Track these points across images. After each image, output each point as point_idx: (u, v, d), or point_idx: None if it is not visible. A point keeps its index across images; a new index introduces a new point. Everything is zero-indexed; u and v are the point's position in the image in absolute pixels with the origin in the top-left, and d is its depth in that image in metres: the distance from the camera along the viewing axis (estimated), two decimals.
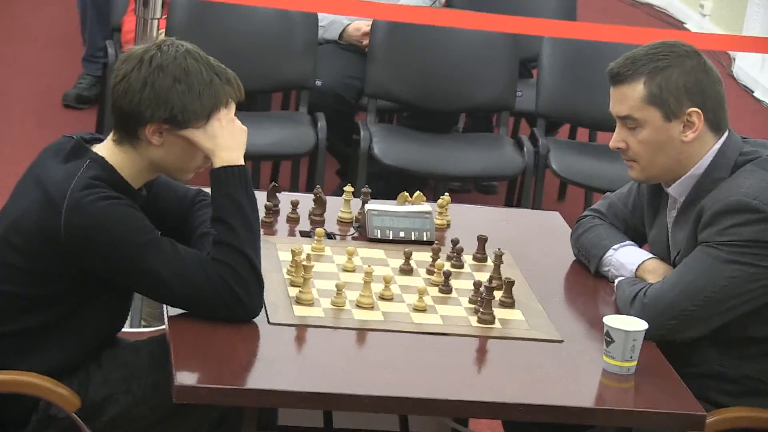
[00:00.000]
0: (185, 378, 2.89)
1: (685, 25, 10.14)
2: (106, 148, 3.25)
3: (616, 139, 3.48)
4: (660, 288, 3.36)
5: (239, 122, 3.30)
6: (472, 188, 6.84)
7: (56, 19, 9.22)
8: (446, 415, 3.52)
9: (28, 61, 8.80)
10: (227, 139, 3.23)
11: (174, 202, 3.52)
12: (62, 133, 3.51)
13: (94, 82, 7.73)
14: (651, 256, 3.60)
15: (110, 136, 3.33)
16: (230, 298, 3.14)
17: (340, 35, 6.60)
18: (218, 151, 3.20)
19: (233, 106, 3.28)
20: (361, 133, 6.28)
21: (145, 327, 4.12)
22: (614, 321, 3.09)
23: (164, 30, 5.38)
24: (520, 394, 3.03)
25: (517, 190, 6.43)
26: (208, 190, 3.38)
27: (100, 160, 3.23)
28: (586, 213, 3.95)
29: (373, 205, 3.91)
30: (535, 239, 4.16)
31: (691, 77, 3.36)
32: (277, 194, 4.03)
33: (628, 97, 3.38)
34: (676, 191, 3.45)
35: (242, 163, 3.27)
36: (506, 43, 6.28)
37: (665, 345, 3.30)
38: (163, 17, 5.45)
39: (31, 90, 8.18)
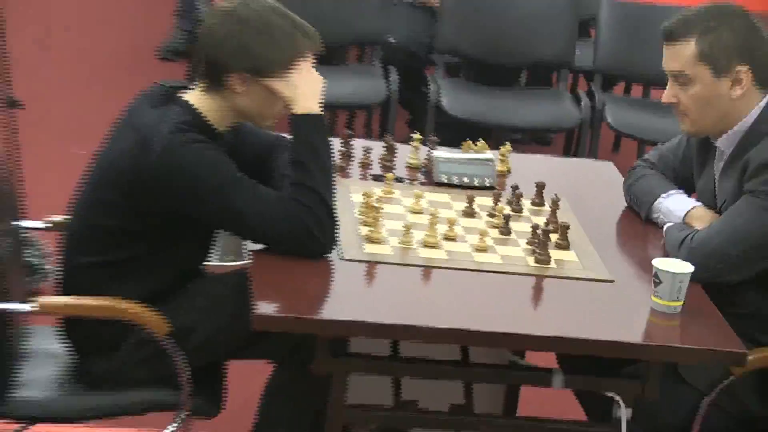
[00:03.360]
0: (263, 308, 2.96)
1: None
2: (193, 96, 3.33)
3: (668, 94, 3.50)
4: (706, 234, 3.38)
5: (317, 73, 3.36)
6: (530, 139, 6.81)
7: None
8: (503, 346, 3.52)
9: (124, 16, 8.92)
10: (306, 88, 3.29)
11: (256, 147, 3.58)
12: (151, 86, 3.64)
13: (185, 36, 7.79)
14: (698, 204, 3.62)
15: (198, 84, 3.42)
16: (306, 236, 3.21)
17: None
18: (297, 100, 3.26)
19: (312, 58, 3.34)
20: (430, 86, 6.32)
21: (228, 262, 4.15)
22: (663, 263, 3.12)
23: None
24: (573, 329, 3.08)
25: (574, 142, 6.47)
26: (288, 136, 3.47)
27: (188, 106, 3.32)
28: (638, 163, 3.99)
29: (440, 152, 3.95)
30: (590, 187, 4.20)
31: (740, 36, 3.37)
32: (351, 141, 4.10)
33: (680, 55, 3.40)
34: (724, 144, 3.47)
35: (319, 111, 3.33)
36: (567, 4, 6.35)
37: (710, 287, 3.32)
38: None
39: (127, 43, 8.33)
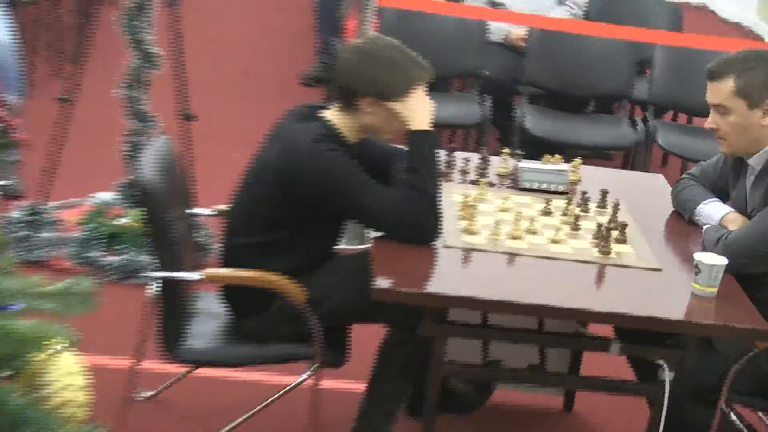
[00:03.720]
0: (381, 283, 3.30)
1: (764, 39, 10.13)
2: (330, 114, 3.68)
3: (710, 121, 3.79)
4: (738, 234, 3.67)
5: (428, 98, 3.69)
6: (595, 155, 6.86)
7: (294, 20, 9.88)
8: (571, 319, 3.69)
9: (275, 50, 9.44)
10: (420, 110, 3.62)
11: (378, 155, 3.88)
12: (296, 106, 3.95)
13: (324, 67, 8.12)
14: (732, 210, 3.89)
15: (333, 105, 3.75)
16: (417, 228, 3.56)
17: (504, 38, 6.97)
18: (413, 119, 3.60)
19: (424, 86, 3.67)
20: (517, 111, 6.63)
21: (353, 245, 4.33)
22: (702, 257, 3.40)
23: (375, 29, 5.74)
24: (628, 307, 3.39)
25: (631, 158, 6.69)
26: (403, 148, 3.78)
27: (325, 122, 3.66)
28: (683, 176, 4.22)
29: (524, 163, 4.26)
30: (644, 194, 4.44)
31: None
32: (454, 153, 4.40)
33: (720, 90, 3.68)
34: (755, 162, 3.74)
35: (430, 128, 3.65)
36: (628, 48, 6.69)
37: (740, 277, 3.60)
38: (375, 21, 5.90)
39: (278, 71, 8.74)
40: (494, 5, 6.88)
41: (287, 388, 3.98)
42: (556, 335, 3.79)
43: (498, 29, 6.91)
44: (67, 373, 1.80)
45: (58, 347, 1.75)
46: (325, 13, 8.24)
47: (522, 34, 6.85)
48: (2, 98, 1.59)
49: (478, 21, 6.72)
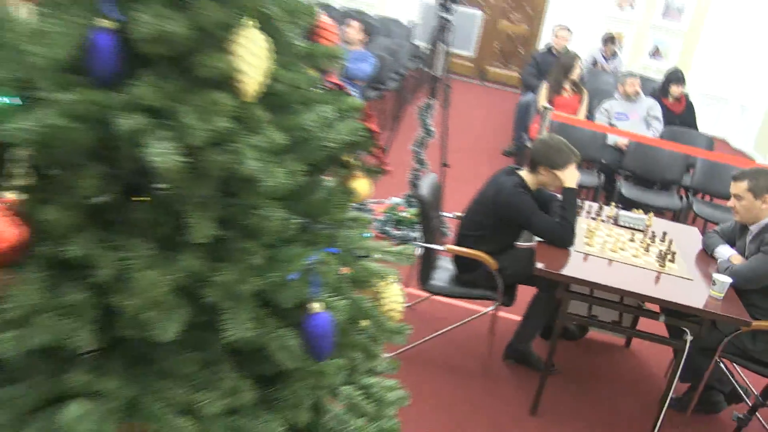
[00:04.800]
0: (539, 265, 3.52)
1: (755, 160, 9.69)
2: (523, 173, 3.97)
3: (730, 203, 3.88)
4: (738, 267, 3.74)
5: (576, 171, 3.88)
6: (658, 212, 6.18)
7: (503, 120, 9.82)
8: (638, 299, 3.63)
9: (492, 134, 9.41)
10: (571, 177, 3.86)
11: (545, 198, 4.03)
12: (503, 167, 4.15)
13: (515, 148, 8.29)
14: (736, 253, 3.92)
15: (524, 169, 4.00)
16: (561, 239, 3.79)
17: (614, 143, 7.01)
18: (566, 181, 3.85)
19: (575, 164, 3.89)
20: (618, 183, 6.78)
21: (525, 242, 4.20)
22: (717, 276, 3.56)
23: (547, 131, 5.95)
24: (671, 297, 3.50)
25: (678, 216, 6.58)
26: (559, 196, 3.91)
27: (521, 177, 3.93)
28: (710, 230, 4.27)
29: (622, 212, 4.47)
30: (685, 237, 4.47)
31: None
32: (584, 202, 4.50)
33: (739, 187, 3.78)
34: (754, 228, 3.83)
35: (575, 187, 3.85)
36: (682, 156, 6.70)
37: (737, 290, 3.66)
38: (548, 126, 6.02)
39: (491, 145, 8.82)
40: (611, 125, 6.92)
41: (481, 313, 4.25)
42: (629, 306, 3.81)
43: (612, 138, 6.92)
44: (393, 294, 1.72)
45: (390, 280, 1.71)
46: (520, 118, 8.19)
47: (625, 142, 6.87)
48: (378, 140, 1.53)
49: (602, 133, 6.83)
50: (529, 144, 7.14)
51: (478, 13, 5.44)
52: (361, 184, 1.52)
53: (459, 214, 4.30)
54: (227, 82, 1.22)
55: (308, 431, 1.43)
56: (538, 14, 11.65)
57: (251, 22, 1.22)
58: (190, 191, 1.17)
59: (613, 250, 3.94)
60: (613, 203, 4.73)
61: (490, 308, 4.08)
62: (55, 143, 1.14)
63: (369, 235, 1.65)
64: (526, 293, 4.32)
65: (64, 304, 1.16)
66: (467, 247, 3.97)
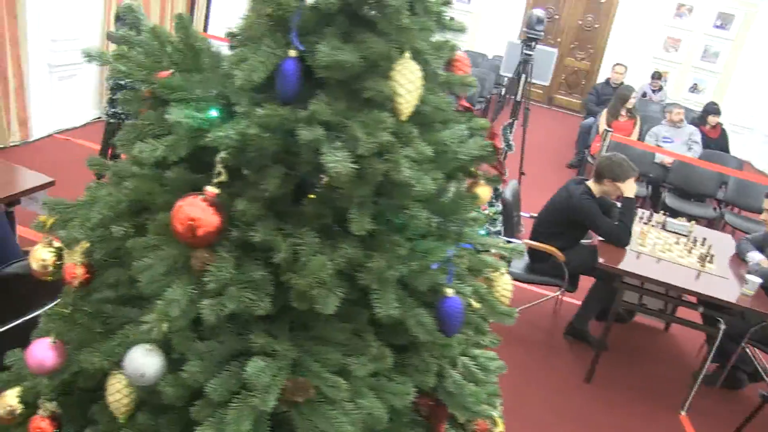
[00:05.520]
0: (600, 259, 3.53)
1: None
2: (590, 183, 3.94)
3: (762, 217, 4.01)
4: (765, 269, 3.74)
5: (635, 184, 3.84)
6: (698, 221, 6.28)
7: (568, 138, 9.23)
8: (681, 292, 3.56)
9: (558, 149, 8.82)
10: (629, 188, 3.82)
11: (607, 204, 3.95)
12: (569, 178, 4.11)
13: (577, 162, 8.00)
14: (764, 257, 3.89)
15: (591, 179, 3.95)
16: (619, 240, 3.75)
17: (661, 161, 6.68)
18: (626, 191, 3.80)
19: (634, 177, 3.83)
20: (663, 194, 6.62)
21: (589, 240, 4.16)
22: (749, 276, 3.57)
23: (607, 150, 5.45)
24: (710, 292, 3.46)
25: (714, 226, 6.06)
26: (618, 203, 3.85)
27: (588, 186, 3.91)
28: (742, 238, 4.24)
29: (669, 219, 4.38)
30: (721, 242, 4.38)
31: None
32: (638, 209, 4.26)
33: None
34: None
35: (633, 197, 3.80)
36: (717, 174, 6.43)
37: (766, 289, 3.63)
38: (607, 145, 5.55)
39: (554, 161, 8.38)
40: (658, 146, 6.76)
41: (548, 297, 4.34)
42: (673, 297, 3.80)
43: (659, 157, 6.78)
44: (504, 282, 1.59)
45: (502, 270, 1.60)
46: (582, 137, 8.07)
47: (669, 161, 6.74)
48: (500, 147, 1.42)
49: (650, 152, 6.66)
50: (590, 159, 7.01)
51: (555, 51, 5.29)
52: (483, 191, 1.48)
53: (533, 214, 4.26)
54: (387, 103, 1.16)
55: (433, 393, 1.37)
56: (599, 53, 11.54)
57: (408, 55, 1.17)
58: (352, 192, 1.13)
59: (662, 251, 3.91)
60: (662, 212, 4.66)
61: (557, 293, 4.14)
62: (248, 148, 1.12)
63: (485, 232, 1.59)
64: (586, 282, 4.25)
65: (248, 279, 1.17)
66: (540, 241, 3.92)
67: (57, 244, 1.45)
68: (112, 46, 5.30)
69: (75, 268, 1.34)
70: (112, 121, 4.16)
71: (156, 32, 1.34)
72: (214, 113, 1.18)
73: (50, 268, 1.44)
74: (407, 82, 1.20)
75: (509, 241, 3.51)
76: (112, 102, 4.08)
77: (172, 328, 1.12)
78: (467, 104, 1.50)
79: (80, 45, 5.69)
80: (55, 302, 2.10)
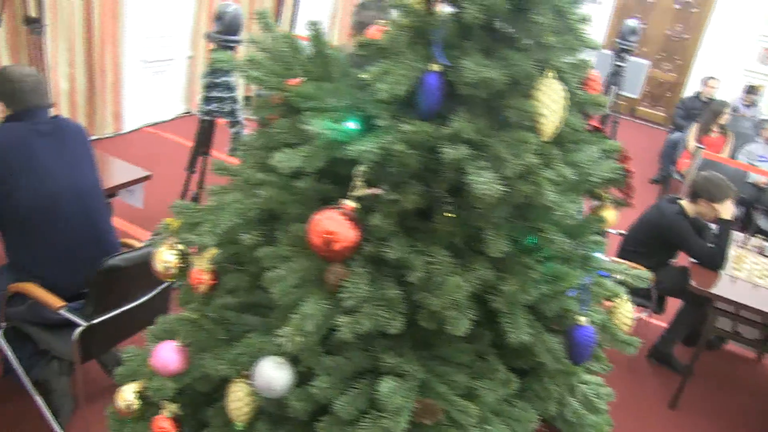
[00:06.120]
0: (692, 282, 3.42)
1: None
2: (683, 202, 3.83)
3: None
4: None
5: (732, 205, 3.73)
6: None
7: (647, 151, 8.76)
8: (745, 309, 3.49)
9: (635, 165, 8.11)
10: (726, 210, 3.71)
11: (700, 225, 3.87)
12: (652, 194, 4.14)
13: (660, 178, 7.33)
14: None
15: (685, 198, 3.81)
16: (713, 263, 3.67)
17: (753, 181, 6.57)
18: (722, 213, 3.71)
19: (731, 199, 3.74)
20: (757, 216, 6.38)
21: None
22: None
23: (697, 168, 5.19)
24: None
25: None
26: (712, 224, 3.78)
27: (681, 206, 3.81)
28: None
29: (765, 243, 4.19)
30: None
31: None
32: (734, 232, 4.03)
33: None
34: None
35: (730, 219, 3.70)
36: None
37: None
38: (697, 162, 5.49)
39: (637, 175, 7.32)
40: (751, 163, 6.59)
41: (635, 317, 4.21)
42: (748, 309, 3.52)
43: (753, 176, 6.58)
44: (626, 309, 1.46)
45: (624, 297, 1.48)
46: (668, 152, 7.70)
47: (764, 181, 6.60)
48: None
49: (743, 171, 6.45)
50: (677, 175, 6.76)
51: (647, 62, 5.14)
52: (610, 214, 1.42)
53: (623, 231, 4.10)
54: (526, 123, 1.13)
55: (552, 421, 1.32)
56: (687, 65, 11.11)
57: (551, 74, 1.13)
58: (490, 212, 1.10)
59: (760, 277, 3.78)
60: (758, 236, 4.54)
61: (643, 314, 3.96)
62: (389, 163, 1.10)
63: (606, 257, 1.51)
64: (673, 304, 4.17)
65: (383, 297, 1.13)
66: (628, 260, 3.65)
67: (180, 246, 1.47)
68: (209, 46, 5.45)
69: (202, 274, 1.35)
70: (206, 119, 4.24)
71: (290, 39, 1.34)
72: (351, 125, 1.17)
73: (173, 270, 1.45)
74: (551, 102, 1.18)
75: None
76: (207, 100, 4.17)
77: (306, 344, 1.10)
78: (597, 125, 1.45)
79: (171, 42, 6.11)
80: (146, 297, 2.10)
